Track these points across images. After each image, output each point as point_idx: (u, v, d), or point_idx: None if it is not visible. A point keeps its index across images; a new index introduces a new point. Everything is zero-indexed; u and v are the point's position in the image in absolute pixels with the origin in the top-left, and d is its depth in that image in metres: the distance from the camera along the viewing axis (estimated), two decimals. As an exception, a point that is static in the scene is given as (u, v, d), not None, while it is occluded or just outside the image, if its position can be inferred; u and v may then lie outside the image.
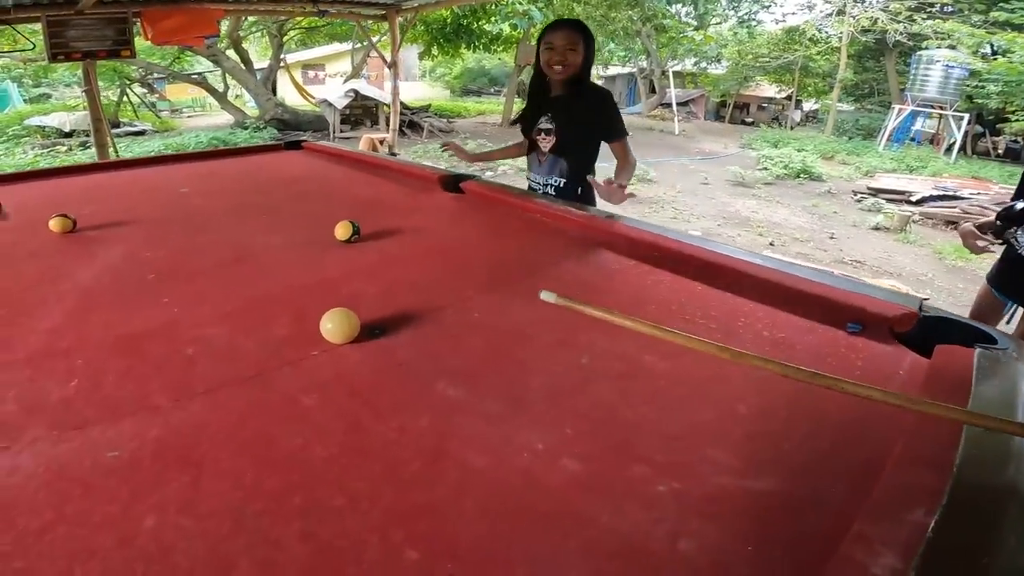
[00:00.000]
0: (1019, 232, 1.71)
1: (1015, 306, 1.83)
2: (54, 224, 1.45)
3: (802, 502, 0.64)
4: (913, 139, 13.79)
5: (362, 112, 11.31)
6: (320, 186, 2.21)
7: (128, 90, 12.79)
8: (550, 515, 0.61)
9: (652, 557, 0.56)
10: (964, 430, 0.66)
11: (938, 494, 0.57)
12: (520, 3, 8.49)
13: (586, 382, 0.88)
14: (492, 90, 21.86)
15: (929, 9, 13.81)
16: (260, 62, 14.88)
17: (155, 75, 12.10)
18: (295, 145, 2.96)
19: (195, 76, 12.27)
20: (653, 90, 18.80)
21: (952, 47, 12.44)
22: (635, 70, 19.90)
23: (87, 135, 10.87)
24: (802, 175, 8.51)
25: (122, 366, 0.86)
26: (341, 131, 10.32)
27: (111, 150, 4.35)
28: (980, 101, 12.50)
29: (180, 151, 7.82)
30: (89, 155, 8.03)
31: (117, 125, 11.95)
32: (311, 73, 18.71)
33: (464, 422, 0.76)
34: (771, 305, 1.13)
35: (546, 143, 1.92)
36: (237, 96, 13.91)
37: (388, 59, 5.16)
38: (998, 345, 0.93)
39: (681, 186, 7.33)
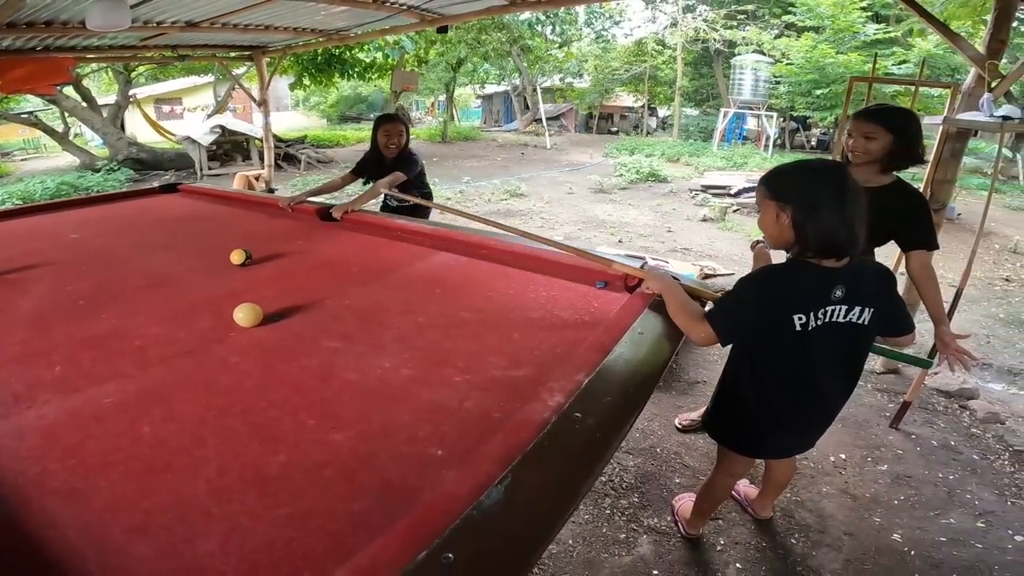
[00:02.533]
0: None
1: None
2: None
3: (537, 380, 1.14)
4: (748, 138, 16.10)
5: (231, 148, 10.96)
6: (207, 224, 2.50)
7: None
8: (394, 397, 1.10)
9: (448, 411, 1.06)
10: (627, 335, 1.24)
11: (595, 366, 1.12)
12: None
13: (420, 331, 1.39)
14: (371, 116, 21.88)
15: (739, 17, 16.10)
16: (106, 97, 13.80)
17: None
18: (171, 188, 3.14)
19: (24, 116, 11.11)
20: (527, 107, 20.09)
21: (760, 52, 14.66)
22: (509, 88, 21.04)
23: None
24: (650, 178, 9.79)
25: (91, 356, 1.22)
26: (210, 168, 9.91)
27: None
28: (773, 101, 14.89)
29: (28, 200, 7.22)
30: None
31: (-70, 174, 10.56)
32: (166, 108, 17.59)
33: (341, 359, 1.23)
34: (550, 275, 1.71)
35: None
36: (77, 135, 12.75)
37: (256, 96, 5.34)
38: (681, 281, 1.57)
39: (549, 196, 8.18)
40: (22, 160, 14.31)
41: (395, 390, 1.12)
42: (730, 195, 8.14)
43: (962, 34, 3.38)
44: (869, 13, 12.13)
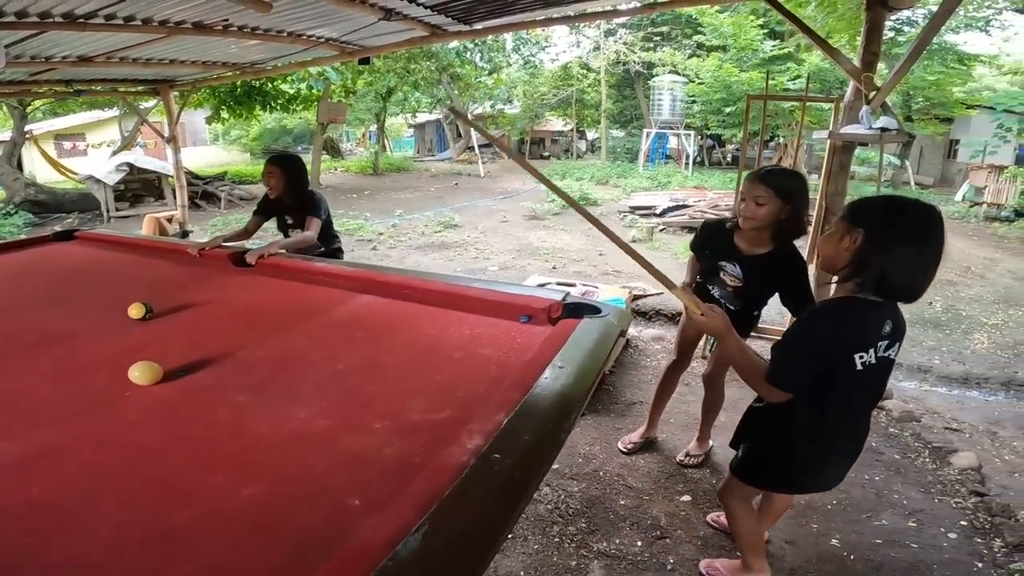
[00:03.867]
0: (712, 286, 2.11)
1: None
2: None
3: (458, 422, 1.11)
4: (671, 157, 16.96)
5: (141, 187, 10.26)
6: (106, 275, 2.30)
7: None
8: (310, 447, 1.05)
9: (367, 458, 1.02)
10: (547, 370, 1.24)
11: (515, 404, 1.11)
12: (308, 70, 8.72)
13: (340, 377, 1.33)
14: (300, 148, 21.28)
15: (655, 39, 16.94)
16: (0, 133, 12.66)
17: None
18: (67, 235, 2.91)
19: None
20: (459, 135, 20.25)
21: (676, 72, 15.38)
22: (441, 116, 21.14)
23: None
24: (581, 202, 10.09)
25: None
26: (117, 210, 9.23)
27: None
28: (689, 120, 15.83)
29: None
30: None
31: None
32: (68, 144, 16.36)
33: (254, 412, 1.17)
34: (474, 312, 1.70)
35: (294, 230, 2.78)
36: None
37: (164, 132, 5.08)
38: (601, 314, 1.60)
39: (483, 226, 8.24)
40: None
41: (312, 440, 1.07)
42: (656, 215, 8.53)
43: (842, 48, 3.66)
44: (766, 30, 13.17)
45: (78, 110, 15.24)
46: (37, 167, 13.79)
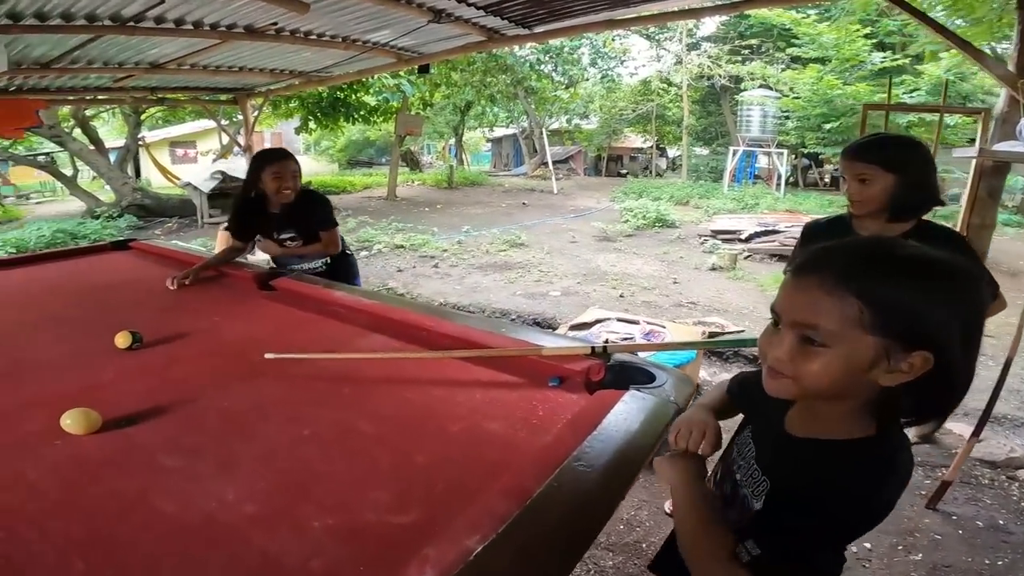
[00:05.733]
0: None
1: None
2: None
3: (420, 534, 0.78)
4: (759, 177, 15.81)
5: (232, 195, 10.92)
6: (132, 293, 2.17)
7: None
8: (211, 542, 0.80)
9: (284, 568, 0.74)
10: (562, 469, 0.88)
11: (502, 522, 0.75)
12: (386, 78, 8.89)
13: (296, 446, 1.04)
14: (383, 160, 22.08)
15: (743, 52, 15.85)
16: (117, 140, 14.03)
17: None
18: (122, 245, 2.90)
19: (41, 158, 11.25)
20: (535, 150, 20.13)
21: (767, 86, 14.22)
22: (518, 131, 21.17)
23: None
24: (658, 224, 9.48)
25: None
26: (210, 216, 9.81)
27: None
28: (783, 138, 14.57)
29: (21, 248, 7.09)
30: None
31: (-53, 217, 10.67)
32: (180, 151, 17.86)
33: (167, 483, 0.93)
34: (497, 368, 1.36)
35: (295, 243, 2.34)
36: (94, 179, 12.91)
37: (241, 141, 5.21)
38: (655, 383, 1.20)
39: (550, 246, 7.85)
40: (36, 203, 14.57)
41: (219, 532, 0.81)
42: (740, 240, 7.79)
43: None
44: (874, 41, 11.86)
45: (188, 119, 16.72)
46: (153, 172, 15.18)
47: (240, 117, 11.10)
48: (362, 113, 11.49)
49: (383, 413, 1.17)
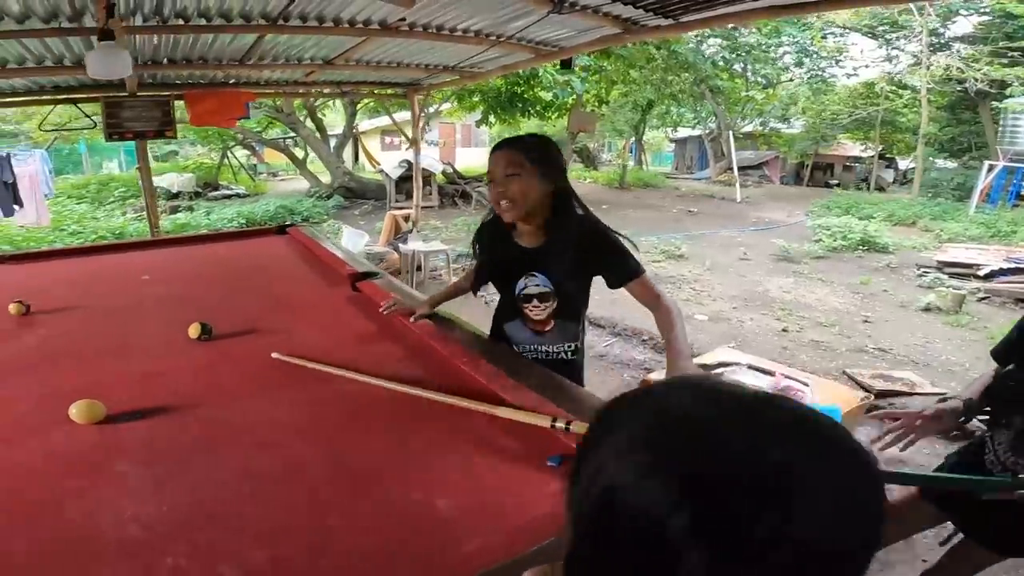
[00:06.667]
0: (998, 433, 1.17)
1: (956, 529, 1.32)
2: (12, 308, 1.77)
3: None
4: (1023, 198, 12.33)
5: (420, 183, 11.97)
6: (256, 279, 2.31)
7: (229, 153, 14.45)
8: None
9: None
10: None
11: None
12: (549, 72, 8.79)
13: (241, 480, 0.93)
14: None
15: (1012, 54, 12.54)
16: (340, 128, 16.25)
17: (249, 140, 13.56)
18: (282, 230, 3.16)
19: (280, 142, 13.60)
20: (722, 153, 18.43)
21: None
22: (703, 132, 19.68)
23: (191, 197, 12.48)
24: (862, 246, 7.85)
25: None
26: (396, 200, 10.90)
27: (161, 222, 4.98)
28: None
29: (251, 221, 8.65)
30: (184, 219, 8.99)
31: (216, 187, 13.59)
32: (388, 139, 20.10)
33: (98, 491, 0.91)
34: (490, 430, 1.08)
35: (540, 312, 1.45)
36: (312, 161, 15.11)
37: (409, 134, 5.57)
38: None
39: (712, 262, 6.95)
40: (281, 180, 17.77)
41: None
42: (977, 276, 6.02)
43: None
44: None
45: (397, 110, 18.75)
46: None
47: (433, 108, 12.20)
48: (537, 108, 11.64)
49: (341, 463, 0.99)
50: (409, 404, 1.18)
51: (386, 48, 3.25)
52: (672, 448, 0.36)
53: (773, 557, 0.32)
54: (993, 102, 12.77)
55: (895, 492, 1.39)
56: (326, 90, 4.98)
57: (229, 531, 0.79)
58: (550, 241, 1.40)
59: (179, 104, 4.32)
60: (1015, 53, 12.42)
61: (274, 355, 1.37)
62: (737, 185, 14.03)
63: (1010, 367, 1.18)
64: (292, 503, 0.87)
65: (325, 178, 12.69)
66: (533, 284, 1.42)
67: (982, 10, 13.34)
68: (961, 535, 1.31)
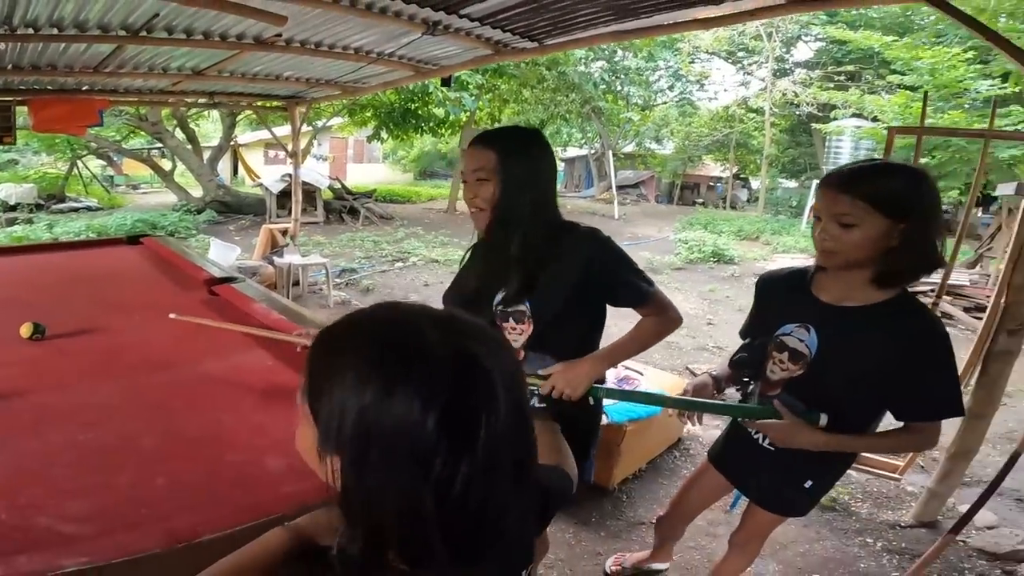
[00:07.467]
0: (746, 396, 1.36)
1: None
2: None
3: None
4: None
5: (300, 197, 11.51)
6: (103, 287, 2.26)
7: (80, 163, 12.93)
8: None
9: None
10: None
11: None
12: (440, 89, 9.00)
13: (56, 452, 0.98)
14: (451, 174, 22.49)
15: (837, 79, 14.30)
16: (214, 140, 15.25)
17: (105, 149, 12.30)
18: (135, 240, 3.07)
19: (143, 152, 12.49)
20: (604, 173, 19.72)
21: (861, 116, 12.57)
22: (589, 152, 20.86)
23: (31, 210, 10.97)
24: (713, 258, 8.91)
25: None
26: (277, 216, 10.38)
27: None
28: None
29: (102, 234, 7.85)
30: (22, 232, 7.96)
31: (63, 200, 12.08)
32: (272, 153, 19.19)
33: None
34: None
35: (517, 333, 1.25)
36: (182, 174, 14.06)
37: (290, 147, 5.49)
38: None
39: (589, 275, 7.59)
40: (143, 193, 16.12)
41: None
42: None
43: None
44: (981, 67, 10.25)
45: (281, 124, 17.88)
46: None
47: (321, 123, 11.81)
48: (431, 125, 11.75)
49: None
50: (248, 384, 1.30)
51: (262, 61, 3.25)
52: (396, 363, 0.43)
53: (485, 436, 0.42)
54: (819, 124, 14.16)
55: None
56: (199, 100, 4.76)
57: (49, 490, 0.88)
58: (526, 248, 1.23)
59: (21, 110, 3.95)
60: (840, 78, 14.55)
61: (172, 315, 1.43)
62: (616, 203, 15.19)
63: (748, 340, 1.48)
64: (118, 466, 0.97)
65: (197, 192, 11.83)
66: (509, 297, 1.22)
67: (817, 37, 14.90)
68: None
